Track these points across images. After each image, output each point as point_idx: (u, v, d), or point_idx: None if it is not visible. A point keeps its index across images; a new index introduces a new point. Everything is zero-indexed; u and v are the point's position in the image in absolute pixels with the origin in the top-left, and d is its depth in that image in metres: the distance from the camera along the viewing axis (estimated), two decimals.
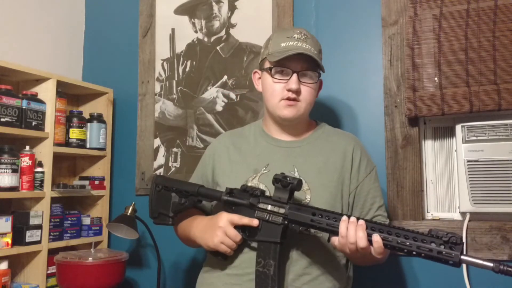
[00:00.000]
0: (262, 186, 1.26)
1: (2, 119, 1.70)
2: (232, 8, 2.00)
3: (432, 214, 1.66)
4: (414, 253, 1.01)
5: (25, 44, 2.08)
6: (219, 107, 1.97)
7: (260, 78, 1.37)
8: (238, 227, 1.19)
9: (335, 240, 1.09)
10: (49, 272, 1.83)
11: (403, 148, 1.64)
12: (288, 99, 1.27)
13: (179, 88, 2.07)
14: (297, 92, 1.26)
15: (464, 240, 1.52)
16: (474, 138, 1.54)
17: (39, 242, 1.79)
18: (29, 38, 2.10)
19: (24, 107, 1.77)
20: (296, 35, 1.29)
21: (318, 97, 1.35)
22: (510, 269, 0.94)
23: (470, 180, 1.52)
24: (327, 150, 1.33)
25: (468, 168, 1.53)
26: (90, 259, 1.73)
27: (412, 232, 1.02)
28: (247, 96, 1.92)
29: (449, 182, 1.66)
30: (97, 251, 1.88)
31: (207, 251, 1.33)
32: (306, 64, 1.27)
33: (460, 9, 1.56)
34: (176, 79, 2.08)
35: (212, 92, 1.99)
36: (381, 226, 1.05)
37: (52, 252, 1.83)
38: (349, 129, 1.74)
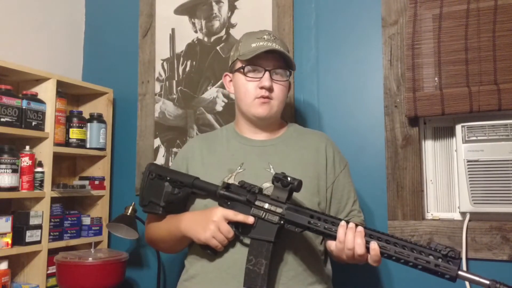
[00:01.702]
0: None
1: (2, 119, 1.70)
2: (232, 8, 2.00)
3: (432, 214, 1.66)
4: (411, 264, 1.01)
5: (25, 44, 2.08)
6: (219, 107, 1.97)
7: (231, 80, 1.39)
8: (232, 223, 1.18)
9: (331, 244, 1.09)
10: (49, 272, 1.83)
11: (403, 148, 1.64)
12: (262, 97, 1.29)
13: (179, 88, 2.07)
14: (270, 89, 1.29)
15: (463, 239, 1.52)
16: (474, 138, 1.54)
17: (39, 242, 1.79)
18: (29, 38, 2.10)
19: (24, 107, 1.77)
20: (265, 36, 1.33)
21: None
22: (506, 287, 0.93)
23: (470, 180, 1.53)
24: (300, 148, 1.35)
25: (468, 168, 1.53)
26: (90, 259, 1.73)
27: (411, 243, 1.02)
28: None
29: (449, 182, 1.66)
30: (97, 251, 1.88)
31: (191, 246, 1.32)
32: (277, 63, 1.31)
33: (460, 9, 1.56)
34: (176, 79, 2.08)
35: (212, 92, 1.99)
36: (379, 234, 1.05)
37: (52, 252, 1.83)
38: (349, 129, 1.75)
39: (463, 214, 1.57)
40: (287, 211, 1.14)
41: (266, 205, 1.16)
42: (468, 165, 1.53)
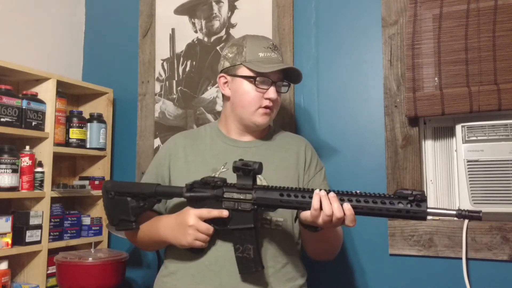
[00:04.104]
0: None
1: (2, 119, 1.70)
2: (232, 8, 2.00)
3: None
4: (384, 215, 1.07)
5: (25, 44, 2.08)
6: (219, 107, 1.97)
7: (226, 82, 1.40)
8: (209, 220, 1.20)
9: (306, 214, 1.11)
10: (49, 272, 1.83)
11: (403, 148, 1.64)
12: (266, 107, 1.34)
13: (179, 88, 2.07)
14: (275, 101, 1.35)
15: (463, 239, 1.52)
16: (474, 138, 1.54)
17: (39, 242, 1.79)
18: (29, 38, 2.10)
19: (24, 107, 1.77)
20: (270, 46, 1.37)
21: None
22: (471, 213, 1.02)
23: (470, 180, 1.53)
24: (281, 150, 1.40)
25: (468, 168, 1.53)
26: (90, 259, 1.73)
27: (379, 196, 1.08)
28: None
29: (449, 182, 1.66)
30: (97, 251, 1.87)
31: (168, 248, 1.34)
32: (282, 75, 1.37)
33: (460, 9, 1.56)
34: (176, 79, 2.08)
35: (212, 92, 1.99)
36: (349, 195, 1.09)
37: (52, 252, 1.83)
38: (349, 129, 1.75)
39: None
40: (257, 195, 1.16)
41: (235, 195, 1.18)
42: (468, 165, 1.53)
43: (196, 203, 1.22)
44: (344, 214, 1.07)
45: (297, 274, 1.31)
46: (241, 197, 1.18)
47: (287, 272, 1.28)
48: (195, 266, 1.25)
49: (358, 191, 1.10)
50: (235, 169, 1.17)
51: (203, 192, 1.21)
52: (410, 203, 1.05)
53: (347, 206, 1.07)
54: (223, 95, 1.43)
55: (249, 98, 1.34)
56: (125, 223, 1.29)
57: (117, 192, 1.30)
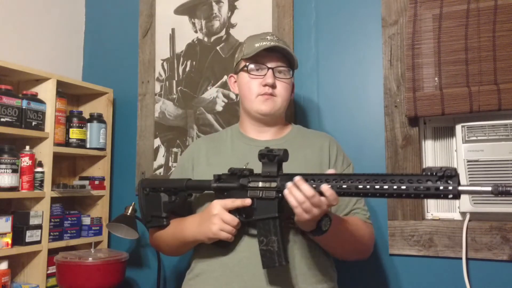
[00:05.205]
0: None
1: (2, 119, 1.70)
2: (232, 8, 2.00)
3: (432, 214, 1.66)
4: (412, 195, 1.00)
5: (25, 44, 2.08)
6: (219, 107, 1.97)
7: (236, 81, 1.43)
8: (234, 212, 1.19)
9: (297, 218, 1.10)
10: (49, 272, 1.83)
11: (403, 148, 1.64)
12: (265, 94, 1.33)
13: (179, 88, 2.07)
14: (273, 86, 1.33)
15: (463, 239, 1.52)
16: (474, 138, 1.54)
17: (39, 242, 1.79)
18: (29, 38, 2.10)
19: (24, 107, 1.77)
20: (268, 37, 1.37)
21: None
22: (508, 188, 0.91)
23: (470, 180, 1.52)
24: (304, 147, 1.38)
25: (468, 168, 1.53)
26: (90, 259, 1.73)
27: (406, 175, 1.00)
28: None
29: None
30: (97, 251, 1.88)
31: (195, 250, 1.34)
32: (280, 62, 1.36)
33: (460, 9, 1.56)
34: (176, 79, 2.08)
35: (212, 92, 1.99)
36: (376, 176, 1.03)
37: (52, 252, 1.83)
38: (349, 129, 1.75)
39: (463, 214, 1.57)
40: (281, 182, 1.14)
41: (260, 184, 1.17)
42: (468, 165, 1.53)
43: (223, 193, 1.22)
44: (325, 195, 1.03)
45: (326, 277, 1.28)
46: (266, 185, 1.16)
47: (315, 274, 1.25)
48: (219, 268, 1.25)
49: (385, 173, 1.05)
50: (261, 156, 1.17)
51: (230, 183, 1.21)
52: (440, 180, 0.96)
53: (325, 186, 1.03)
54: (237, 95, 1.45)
55: (247, 87, 1.35)
56: (157, 219, 1.33)
57: (152, 188, 1.34)
